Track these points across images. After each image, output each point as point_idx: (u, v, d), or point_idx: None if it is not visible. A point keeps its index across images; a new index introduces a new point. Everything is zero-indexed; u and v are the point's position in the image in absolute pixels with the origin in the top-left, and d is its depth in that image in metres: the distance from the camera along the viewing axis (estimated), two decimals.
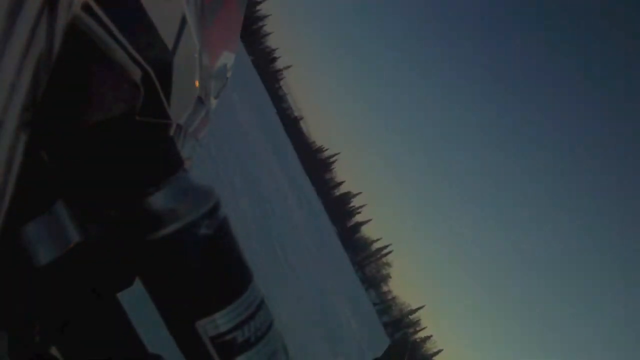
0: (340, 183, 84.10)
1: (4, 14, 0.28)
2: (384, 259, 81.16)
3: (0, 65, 0.29)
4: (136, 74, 0.53)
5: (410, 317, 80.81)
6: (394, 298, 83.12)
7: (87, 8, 0.41)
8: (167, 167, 0.59)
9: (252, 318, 0.63)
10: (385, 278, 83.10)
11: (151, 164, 0.58)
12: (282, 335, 0.70)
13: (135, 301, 0.74)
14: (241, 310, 0.62)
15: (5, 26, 0.28)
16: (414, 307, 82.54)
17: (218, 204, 0.62)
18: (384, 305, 78.19)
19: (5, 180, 0.32)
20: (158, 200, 0.58)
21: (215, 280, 0.61)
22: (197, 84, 0.87)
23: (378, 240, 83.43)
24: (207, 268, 0.60)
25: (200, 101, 0.97)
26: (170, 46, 0.58)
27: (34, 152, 0.49)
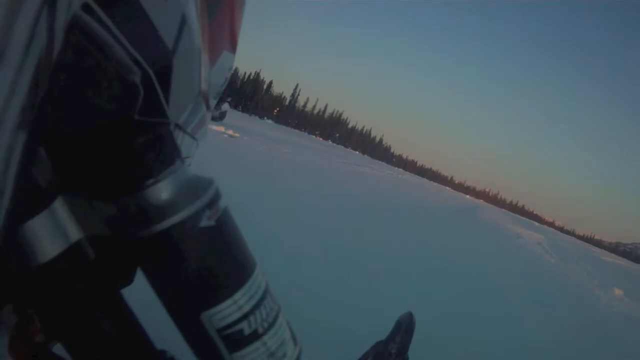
0: None
1: (2, 14, 0.28)
2: None
3: (0, 65, 0.29)
4: (135, 74, 0.53)
5: None
6: None
7: (86, 7, 0.42)
8: (165, 159, 0.58)
9: (258, 307, 0.62)
10: None
11: (148, 156, 0.58)
12: (290, 323, 0.69)
13: (140, 296, 0.74)
14: (246, 299, 0.61)
15: (4, 26, 0.28)
16: None
17: (218, 194, 0.62)
18: None
19: (4, 179, 0.32)
20: (157, 192, 0.57)
21: (219, 271, 0.60)
22: (196, 84, 0.87)
23: None
24: (211, 259, 0.59)
25: (199, 101, 0.97)
26: (170, 46, 0.58)
27: (33, 150, 0.49)
